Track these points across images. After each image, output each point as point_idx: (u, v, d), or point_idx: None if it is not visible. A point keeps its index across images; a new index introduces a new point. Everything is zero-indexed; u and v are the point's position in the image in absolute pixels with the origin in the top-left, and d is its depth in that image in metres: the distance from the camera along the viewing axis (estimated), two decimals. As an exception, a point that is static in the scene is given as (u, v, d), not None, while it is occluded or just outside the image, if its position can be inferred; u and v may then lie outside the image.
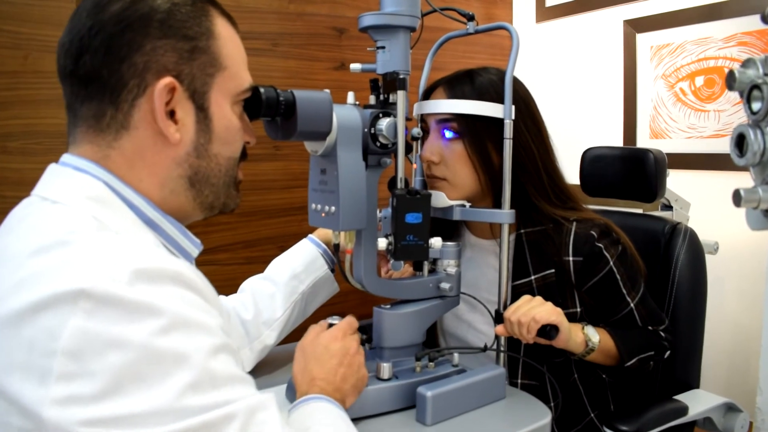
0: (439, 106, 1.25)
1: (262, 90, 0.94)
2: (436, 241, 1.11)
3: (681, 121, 2.19)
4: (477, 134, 1.23)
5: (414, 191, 1.03)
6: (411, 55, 1.17)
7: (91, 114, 0.80)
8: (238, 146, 0.91)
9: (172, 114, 0.81)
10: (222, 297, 1.29)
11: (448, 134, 1.25)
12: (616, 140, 2.37)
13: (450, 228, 1.42)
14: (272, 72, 1.89)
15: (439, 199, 1.25)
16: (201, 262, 1.77)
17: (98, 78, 0.78)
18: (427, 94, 1.31)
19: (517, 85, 1.27)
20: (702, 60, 2.11)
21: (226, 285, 1.36)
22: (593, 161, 1.69)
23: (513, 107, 1.19)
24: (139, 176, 0.82)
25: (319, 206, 1.08)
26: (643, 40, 2.29)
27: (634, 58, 2.31)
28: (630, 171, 1.62)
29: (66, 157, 0.83)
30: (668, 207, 1.88)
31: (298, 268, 1.29)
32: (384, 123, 1.06)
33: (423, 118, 1.30)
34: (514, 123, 1.20)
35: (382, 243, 1.06)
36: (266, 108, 0.95)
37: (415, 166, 1.35)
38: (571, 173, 1.39)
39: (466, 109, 1.21)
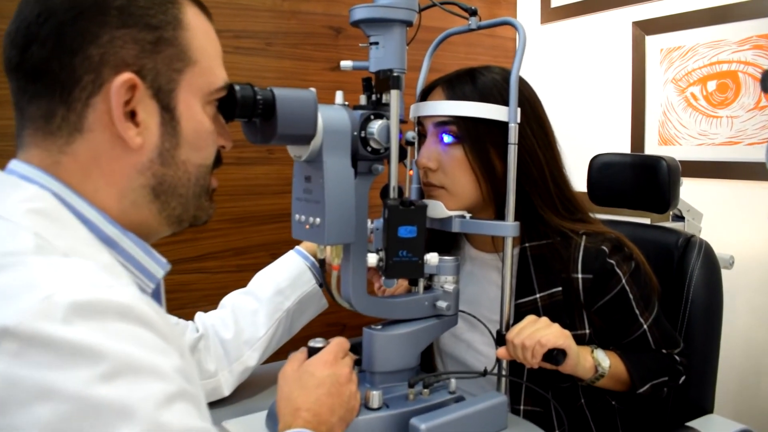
0: (437, 108, 1.14)
1: (237, 88, 0.83)
2: (432, 257, 1.00)
3: (692, 127, 2.08)
4: (478, 139, 1.12)
5: (408, 201, 0.92)
6: (408, 54, 1.06)
7: (40, 114, 0.70)
8: (210, 152, 0.80)
9: (132, 115, 0.70)
10: (200, 314, 1.18)
11: (447, 138, 1.14)
12: (624, 146, 2.26)
13: (448, 240, 1.31)
14: (265, 72, 1.80)
15: (437, 209, 1.14)
16: (189, 270, 1.70)
17: (47, 72, 0.68)
18: (425, 95, 1.20)
19: (523, 85, 1.16)
20: (714, 64, 2.00)
21: (217, 294, 1.26)
22: (602, 168, 1.59)
23: (518, 109, 1.09)
24: (94, 186, 0.71)
25: (303, 217, 0.97)
26: (652, 42, 2.17)
27: (643, 62, 2.20)
28: (642, 179, 1.51)
29: (12, 164, 0.72)
30: (680, 217, 1.77)
31: (282, 282, 1.18)
32: (376, 125, 0.96)
33: (420, 121, 1.19)
34: (519, 127, 1.09)
35: (372, 259, 0.95)
36: (242, 108, 0.84)
37: (411, 172, 1.25)
38: (575, 180, 1.29)
39: (466, 111, 1.10)
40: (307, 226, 0.96)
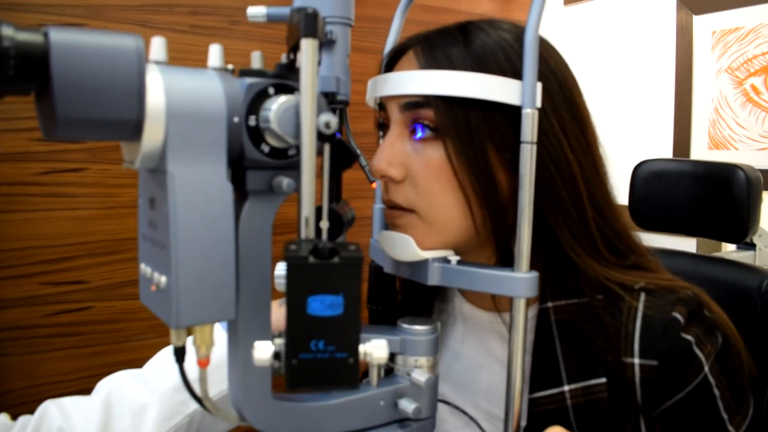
0: (404, 82, 0.65)
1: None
2: (377, 349, 0.53)
3: (751, 127, 1.60)
4: (469, 132, 0.63)
5: (325, 249, 0.46)
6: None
7: None
8: None
9: None
10: (48, 405, 0.72)
11: (420, 131, 0.67)
12: (664, 151, 1.78)
13: (430, 290, 0.83)
14: (231, 57, 1.40)
15: (404, 247, 0.67)
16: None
17: None
18: (391, 64, 0.73)
19: (547, 51, 0.68)
20: (785, 48, 1.52)
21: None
22: (650, 180, 1.12)
23: (539, 86, 0.62)
24: None
25: (148, 270, 0.51)
26: (702, 23, 1.69)
27: (690, 47, 1.72)
28: (707, 195, 1.04)
29: None
30: (749, 245, 1.29)
31: None
32: (275, 105, 0.49)
33: (383, 105, 0.72)
34: (541, 115, 0.63)
35: (264, 353, 0.49)
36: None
37: (374, 185, 0.79)
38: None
39: (450, 86, 0.62)
40: (154, 287, 0.50)
